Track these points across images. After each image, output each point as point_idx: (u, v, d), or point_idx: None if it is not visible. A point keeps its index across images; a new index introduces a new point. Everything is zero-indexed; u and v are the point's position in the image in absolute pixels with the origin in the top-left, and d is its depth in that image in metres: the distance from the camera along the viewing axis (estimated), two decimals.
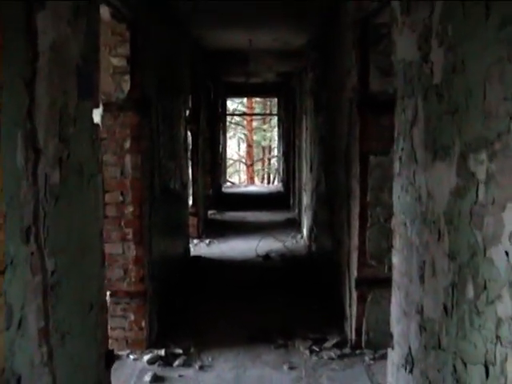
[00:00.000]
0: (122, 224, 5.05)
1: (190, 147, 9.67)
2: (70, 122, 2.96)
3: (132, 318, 5.14)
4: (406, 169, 3.36)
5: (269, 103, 29.59)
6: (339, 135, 5.96)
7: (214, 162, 14.02)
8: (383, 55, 4.84)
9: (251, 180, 28.37)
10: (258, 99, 28.56)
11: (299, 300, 6.64)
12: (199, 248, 9.43)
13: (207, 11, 6.80)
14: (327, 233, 7.00)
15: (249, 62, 10.38)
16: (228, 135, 27.39)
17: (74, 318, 3.05)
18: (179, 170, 7.26)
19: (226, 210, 13.40)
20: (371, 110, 4.94)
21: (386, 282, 5.08)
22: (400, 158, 3.52)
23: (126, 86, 4.87)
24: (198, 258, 8.68)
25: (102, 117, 5.01)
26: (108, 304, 5.19)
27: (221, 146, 17.43)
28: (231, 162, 30.61)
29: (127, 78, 4.86)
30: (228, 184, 21.18)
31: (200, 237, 10.02)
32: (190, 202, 9.77)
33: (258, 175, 31.58)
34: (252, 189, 19.80)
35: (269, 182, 28.68)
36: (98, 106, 3.46)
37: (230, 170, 30.25)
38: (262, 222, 11.92)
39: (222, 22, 7.65)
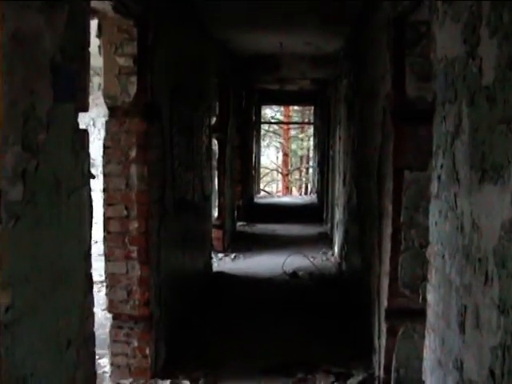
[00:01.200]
0: (126, 241, 4.57)
1: (217, 156, 9.20)
2: (40, 128, 2.47)
3: (135, 344, 4.65)
4: (445, 190, 2.78)
5: (307, 112, 29.06)
6: (372, 147, 5.38)
7: (245, 172, 13.53)
8: (422, 57, 4.27)
9: (287, 190, 27.80)
10: (296, 108, 28.02)
11: (324, 326, 6.06)
12: (223, 263, 8.92)
13: (231, 10, 6.31)
14: (358, 252, 6.41)
15: (281, 67, 9.87)
16: (264, 144, 26.97)
17: (42, 358, 2.55)
18: (200, 181, 6.78)
19: (256, 222, 12.87)
20: (407, 119, 4.35)
21: (420, 314, 4.53)
22: (439, 177, 2.94)
23: (133, 89, 4.40)
24: (221, 274, 8.18)
25: (107, 122, 4.58)
26: (110, 328, 4.76)
27: (254, 155, 16.94)
28: (267, 171, 30.13)
29: (134, 79, 4.39)
30: (262, 194, 20.67)
31: (225, 251, 9.51)
32: (216, 214, 9.29)
33: (295, 185, 30.98)
34: (286, 199, 19.23)
35: (306, 193, 28.04)
36: (85, 110, 2.97)
37: (266, 179, 29.81)
38: (292, 236, 11.35)
39: (248, 22, 7.17)
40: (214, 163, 9.04)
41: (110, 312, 4.71)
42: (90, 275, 3.18)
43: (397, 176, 4.39)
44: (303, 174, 31.08)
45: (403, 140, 4.36)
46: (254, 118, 16.39)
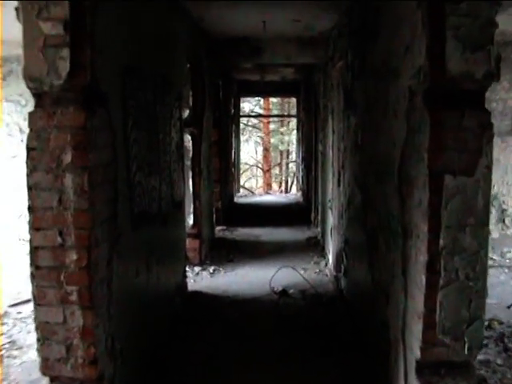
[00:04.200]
0: (62, 278, 3.31)
1: (191, 155, 7.93)
2: None
3: None
4: None
5: (286, 105, 27.80)
6: (388, 142, 4.17)
7: (224, 170, 12.27)
8: (470, 17, 3.06)
9: (268, 186, 26.55)
10: (274, 100, 26.73)
11: (323, 367, 4.85)
12: (200, 278, 7.66)
13: None
14: (364, 271, 5.21)
15: (263, 52, 8.61)
16: (243, 138, 25.68)
17: None
18: (168, 187, 5.51)
19: (237, 226, 11.60)
20: (449, 103, 3.14)
21: (465, 369, 3.42)
22: None
23: (64, 67, 3.12)
24: (197, 294, 6.92)
25: (31, 115, 3.30)
26: None
27: (233, 151, 15.66)
28: (247, 166, 28.84)
29: (65, 53, 3.11)
30: (242, 192, 19.41)
31: (203, 263, 8.25)
32: (190, 222, 8.03)
33: (275, 180, 29.70)
34: (268, 198, 17.94)
35: (286, 189, 26.83)
36: None
37: (246, 174, 28.49)
38: (278, 243, 10.10)
39: None
40: (188, 163, 7.77)
41: (44, 374, 3.46)
42: None
43: (434, 182, 3.18)
44: (283, 169, 29.87)
45: (443, 132, 3.15)
46: (232, 110, 15.11)
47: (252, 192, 21.58)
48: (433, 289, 3.26)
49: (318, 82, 10.45)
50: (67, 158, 3.19)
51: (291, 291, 6.94)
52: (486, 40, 3.07)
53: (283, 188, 27.66)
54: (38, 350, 3.43)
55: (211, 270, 8.01)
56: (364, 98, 5.26)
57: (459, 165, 3.16)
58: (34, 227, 3.27)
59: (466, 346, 3.31)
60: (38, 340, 3.42)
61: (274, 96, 22.22)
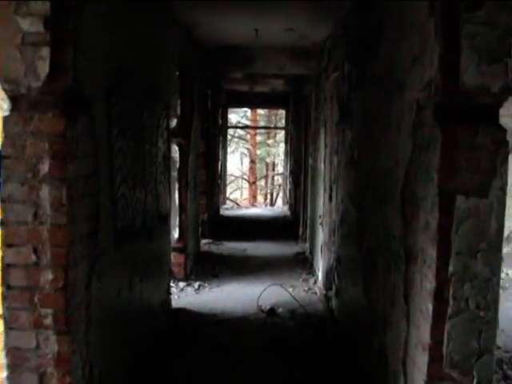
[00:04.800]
0: (36, 300, 3.01)
1: (178, 166, 7.64)
2: None
3: None
4: None
5: (273, 117, 27.60)
6: (388, 159, 3.93)
7: (211, 181, 11.98)
8: (488, 26, 2.84)
9: (254, 198, 26.25)
10: (261, 111, 26.49)
11: None
12: (185, 295, 7.34)
13: None
14: (357, 292, 4.95)
15: (254, 61, 8.36)
16: (229, 150, 25.38)
17: None
18: (154, 200, 5.22)
19: (223, 239, 11.29)
20: (462, 118, 2.91)
21: None
22: None
23: (44, 68, 2.84)
24: (182, 311, 6.61)
25: (6, 119, 3.01)
26: None
27: (220, 163, 15.38)
28: (232, 178, 28.54)
29: (45, 53, 2.83)
30: (228, 205, 19.11)
31: (188, 278, 7.93)
32: (176, 235, 7.73)
33: (260, 193, 29.40)
34: (255, 211, 17.64)
35: (272, 202, 26.57)
36: None
37: (231, 186, 28.16)
38: (265, 258, 9.81)
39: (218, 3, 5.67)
40: (174, 174, 7.49)
41: None
42: None
43: (445, 204, 2.94)
44: (269, 182, 29.62)
45: (455, 150, 2.91)
46: (220, 121, 14.85)
47: (238, 204, 21.28)
48: (440, 318, 3.01)
49: (309, 93, 10.22)
50: (44, 167, 2.90)
51: (280, 310, 6.65)
52: (503, 51, 2.84)
53: (268, 201, 27.40)
54: (8, 379, 3.12)
55: (196, 286, 7.70)
56: (362, 111, 5.03)
57: (472, 185, 2.91)
58: (7, 243, 2.97)
59: (475, 381, 3.06)
60: (8, 367, 3.10)
61: (263, 107, 21.97)
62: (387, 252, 3.91)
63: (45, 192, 2.91)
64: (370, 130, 4.67)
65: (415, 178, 3.32)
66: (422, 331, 3.13)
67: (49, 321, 3.01)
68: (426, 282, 3.10)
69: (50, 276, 2.96)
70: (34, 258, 2.96)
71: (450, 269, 2.96)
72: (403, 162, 3.54)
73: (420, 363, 3.16)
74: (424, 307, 3.12)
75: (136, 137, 4.43)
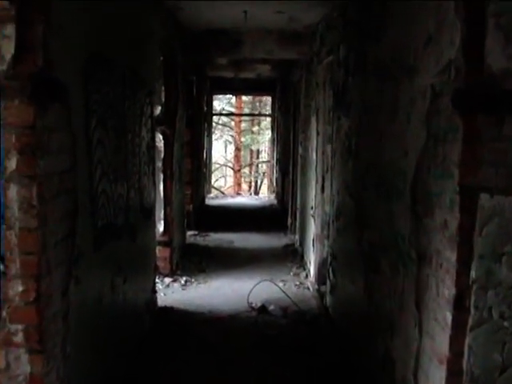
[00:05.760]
0: (5, 315, 2.65)
1: (162, 156, 7.26)
2: None
3: None
4: None
5: (258, 103, 27.17)
6: (395, 150, 3.60)
7: (196, 171, 11.59)
8: None
9: (238, 186, 25.90)
10: (246, 98, 26.03)
11: None
12: (171, 292, 6.99)
13: None
14: (356, 291, 4.64)
15: (242, 45, 7.96)
16: (214, 137, 24.95)
17: None
18: (137, 194, 4.86)
19: (209, 231, 10.93)
20: (486, 106, 2.58)
21: None
22: None
23: (9, 48, 2.46)
24: (168, 310, 6.27)
25: None
26: None
27: (205, 151, 14.98)
28: (217, 166, 28.12)
29: (10, 31, 2.45)
30: (213, 193, 18.73)
31: (174, 273, 7.58)
32: (161, 228, 7.36)
33: (244, 181, 29.01)
34: (240, 200, 17.30)
35: (256, 190, 26.20)
36: None
37: (216, 174, 27.73)
38: (254, 250, 9.48)
39: None
40: (159, 164, 7.11)
41: None
42: None
43: (466, 202, 2.61)
44: (253, 169, 29.22)
45: (478, 141, 2.58)
46: (205, 108, 14.44)
47: (223, 193, 20.92)
48: (460, 329, 2.70)
49: (299, 79, 9.83)
50: (11, 164, 2.52)
51: (271, 308, 6.33)
52: None
53: (253, 189, 27.03)
54: None
55: (183, 282, 7.36)
56: (361, 97, 4.69)
57: (497, 181, 2.59)
58: None
59: None
60: None
61: (248, 94, 21.50)
62: (394, 250, 3.59)
63: (12, 192, 2.54)
64: (370, 117, 4.34)
65: (428, 172, 3.00)
66: (439, 342, 2.82)
67: (19, 338, 2.65)
68: (443, 288, 2.78)
69: (19, 288, 2.60)
70: (1, 267, 2.59)
71: (472, 274, 2.65)
72: (414, 154, 3.21)
73: (436, 377, 2.85)
74: (440, 316, 2.81)
75: (117, 126, 4.05)
